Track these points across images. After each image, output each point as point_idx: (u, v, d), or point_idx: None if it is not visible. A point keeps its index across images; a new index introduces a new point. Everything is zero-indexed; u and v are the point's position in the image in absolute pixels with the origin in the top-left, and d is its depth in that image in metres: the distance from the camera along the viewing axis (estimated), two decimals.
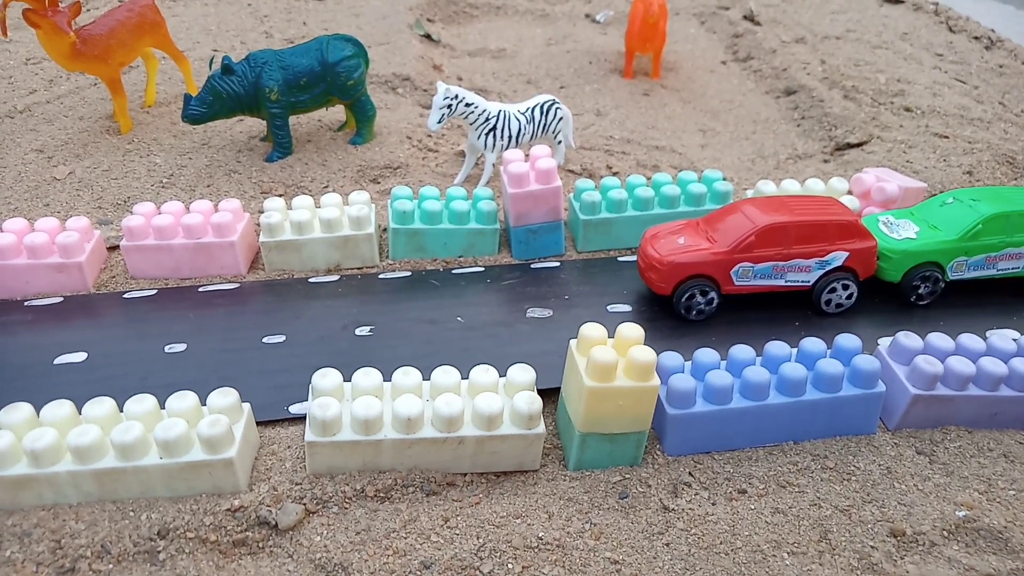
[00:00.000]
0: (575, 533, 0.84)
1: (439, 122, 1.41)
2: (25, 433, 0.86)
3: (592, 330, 0.92)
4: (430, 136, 1.73)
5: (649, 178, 1.37)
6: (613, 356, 0.87)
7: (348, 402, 0.91)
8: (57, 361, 1.06)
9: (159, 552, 0.82)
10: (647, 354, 0.88)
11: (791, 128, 1.82)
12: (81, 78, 1.98)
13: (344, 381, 0.92)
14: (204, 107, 1.50)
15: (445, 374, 0.93)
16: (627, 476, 0.92)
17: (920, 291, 1.18)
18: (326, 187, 1.50)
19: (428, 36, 2.29)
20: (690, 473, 0.93)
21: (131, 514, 0.84)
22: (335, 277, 1.25)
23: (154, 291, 1.21)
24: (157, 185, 1.51)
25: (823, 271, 1.14)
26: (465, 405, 0.90)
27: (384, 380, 0.93)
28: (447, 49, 2.27)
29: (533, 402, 0.90)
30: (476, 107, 1.43)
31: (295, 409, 0.99)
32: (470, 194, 1.36)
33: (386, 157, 1.60)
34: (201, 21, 2.38)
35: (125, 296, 1.20)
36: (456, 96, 1.41)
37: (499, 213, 1.35)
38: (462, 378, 0.94)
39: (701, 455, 0.95)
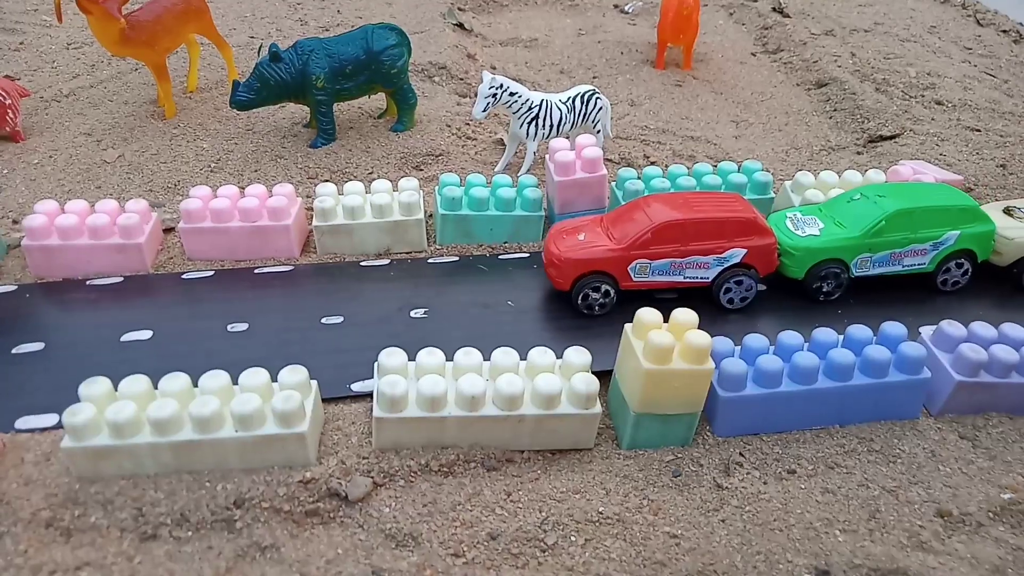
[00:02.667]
0: (634, 508, 0.88)
1: (484, 111, 1.43)
2: (104, 406, 0.90)
3: (648, 314, 0.95)
4: (468, 124, 1.75)
5: (689, 168, 1.39)
6: (670, 340, 0.91)
7: (412, 380, 0.94)
8: (124, 338, 1.10)
9: (236, 521, 0.86)
10: (703, 338, 0.91)
11: (823, 120, 1.83)
12: (121, 63, 2.02)
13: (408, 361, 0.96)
14: (252, 93, 1.53)
15: (505, 355, 0.96)
16: (679, 455, 0.96)
17: (824, 288, 1.19)
18: (371, 173, 1.53)
19: (460, 25, 2.31)
20: (740, 453, 0.96)
21: (207, 484, 0.88)
22: (385, 261, 1.28)
23: (211, 272, 1.24)
24: (206, 169, 1.54)
25: (722, 267, 1.15)
26: (525, 385, 0.94)
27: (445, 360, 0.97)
28: (479, 38, 2.30)
29: (591, 383, 0.93)
30: (520, 96, 1.46)
31: (357, 387, 1.02)
32: (512, 182, 1.38)
33: (428, 145, 1.62)
34: (236, 8, 2.40)
35: (184, 276, 1.23)
36: (501, 86, 1.43)
37: (543, 200, 1.38)
38: (520, 359, 0.97)
39: (750, 436, 0.99)
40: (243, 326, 1.12)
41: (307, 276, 1.24)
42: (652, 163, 1.60)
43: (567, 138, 1.54)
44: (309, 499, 0.88)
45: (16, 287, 1.21)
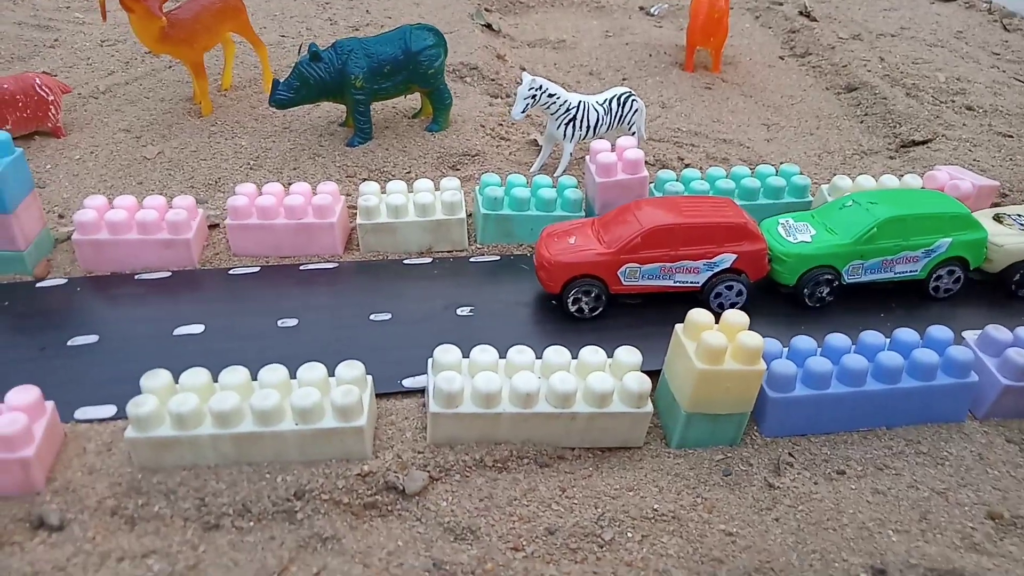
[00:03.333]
0: (688, 506, 0.89)
1: (523, 111, 1.45)
2: (165, 398, 0.91)
3: (699, 315, 0.96)
4: (501, 124, 1.77)
5: (727, 170, 1.40)
6: (723, 340, 0.92)
7: (466, 377, 0.96)
8: (177, 332, 1.12)
9: (296, 512, 0.87)
10: (755, 339, 0.92)
11: (854, 124, 1.84)
12: (155, 60, 2.04)
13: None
14: (291, 92, 1.55)
15: (556, 353, 0.97)
16: (728, 455, 0.97)
17: (815, 294, 1.19)
18: (408, 173, 1.55)
19: (488, 26, 2.33)
20: (790, 454, 0.97)
21: (267, 476, 0.90)
22: (428, 259, 1.30)
23: (257, 268, 1.26)
24: (245, 167, 1.56)
25: (712, 272, 1.16)
26: (577, 383, 0.95)
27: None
28: (507, 39, 2.31)
29: (643, 382, 0.94)
30: (558, 97, 1.47)
31: (408, 383, 1.04)
32: (552, 182, 1.40)
33: (463, 144, 1.64)
34: (265, 7, 2.42)
35: (231, 272, 1.25)
36: (541, 87, 1.45)
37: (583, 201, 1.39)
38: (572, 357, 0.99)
39: (797, 437, 1.00)
40: (293, 322, 1.14)
41: (352, 273, 1.26)
42: (687, 165, 1.61)
43: (605, 140, 1.55)
44: (367, 492, 0.89)
45: (66, 280, 1.23)
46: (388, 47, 1.58)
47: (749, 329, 0.93)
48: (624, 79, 2.04)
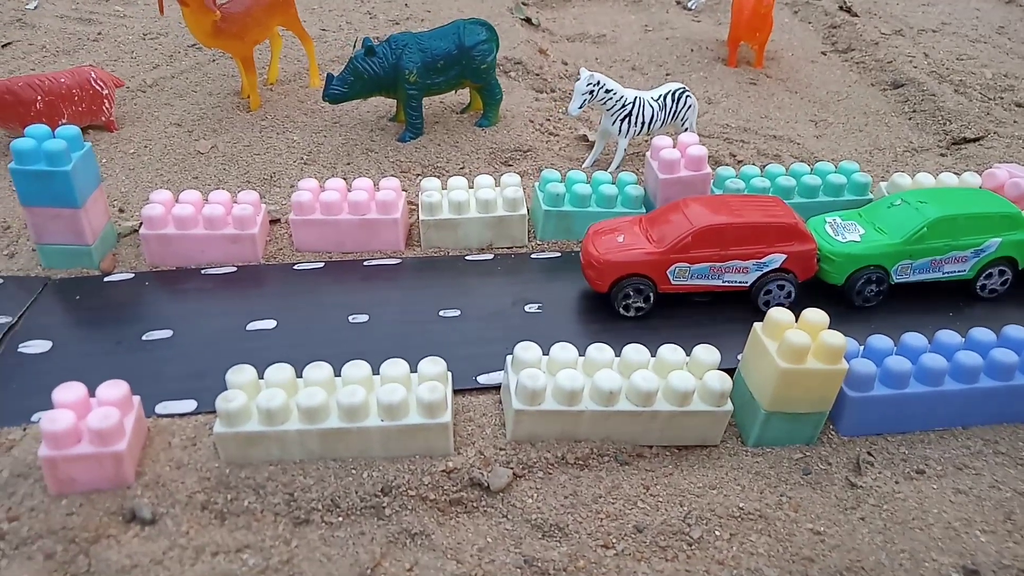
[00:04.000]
0: (773, 505, 0.89)
1: (580, 107, 1.45)
2: (250, 393, 0.92)
3: (780, 314, 0.96)
4: (549, 120, 1.76)
5: (786, 167, 1.40)
6: (807, 339, 0.92)
7: (547, 374, 0.96)
8: (249, 327, 1.13)
9: (384, 508, 0.88)
10: (838, 338, 0.92)
11: (903, 121, 1.83)
12: (199, 54, 2.04)
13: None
14: (345, 87, 1.55)
15: (636, 351, 0.98)
16: (807, 454, 0.97)
17: (864, 294, 1.18)
18: (462, 168, 1.55)
19: (528, 20, 2.32)
20: (868, 453, 0.97)
21: (353, 472, 0.90)
22: (489, 256, 1.30)
23: (321, 264, 1.27)
24: (299, 162, 1.56)
25: (761, 273, 1.15)
26: (659, 381, 0.95)
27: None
28: (546, 33, 2.30)
29: (725, 381, 0.94)
30: (615, 93, 1.47)
31: (483, 379, 1.04)
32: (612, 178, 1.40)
33: (514, 140, 1.64)
34: (304, 1, 2.42)
35: (295, 267, 1.25)
36: (598, 82, 1.44)
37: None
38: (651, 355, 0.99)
39: (874, 436, 1.00)
40: (363, 317, 1.14)
41: (416, 269, 1.26)
42: (740, 162, 1.61)
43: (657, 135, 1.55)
44: (453, 488, 0.90)
45: (133, 275, 1.24)
46: (442, 42, 1.58)
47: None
48: (668, 75, 2.03)
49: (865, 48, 2.19)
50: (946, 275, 1.20)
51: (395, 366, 0.95)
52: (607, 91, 1.46)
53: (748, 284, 1.17)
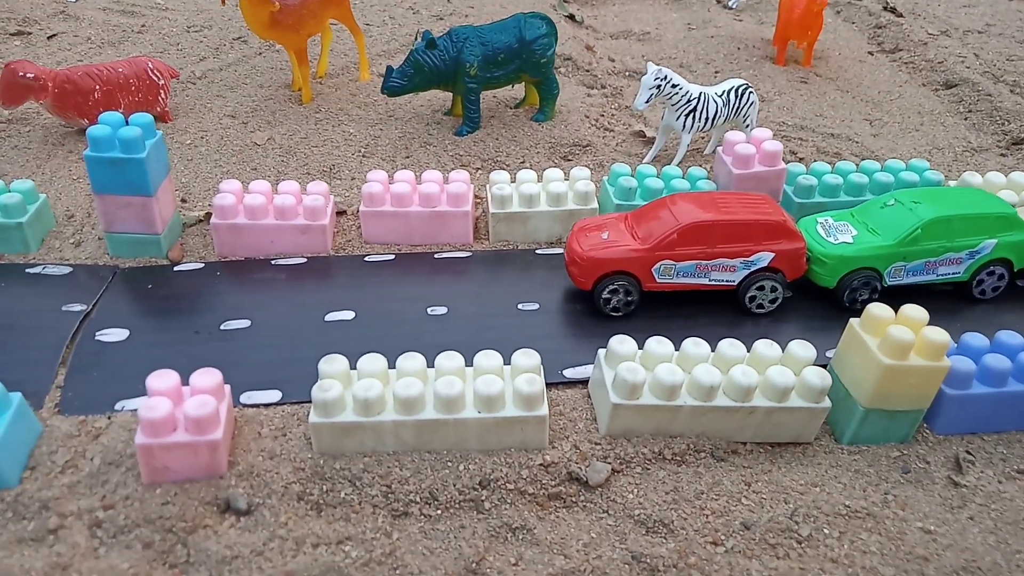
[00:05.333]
0: (879, 503, 0.87)
1: (647, 102, 1.43)
2: (343, 384, 0.90)
3: (880, 310, 0.94)
4: (603, 115, 1.75)
5: (856, 164, 1.38)
6: (911, 336, 0.90)
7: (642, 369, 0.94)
8: (328, 318, 1.11)
9: (483, 501, 0.86)
10: (941, 335, 0.91)
11: (959, 121, 1.81)
12: (245, 47, 2.03)
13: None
14: (405, 80, 1.54)
15: (732, 346, 0.96)
16: (904, 452, 0.95)
17: (856, 297, 1.15)
18: (522, 163, 1.54)
19: (571, 16, 2.31)
20: (967, 452, 0.95)
21: (449, 464, 0.89)
22: (559, 249, 1.28)
23: (391, 256, 1.25)
24: (357, 154, 1.55)
25: (748, 271, 1.12)
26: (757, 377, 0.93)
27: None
28: (590, 30, 2.29)
29: (825, 377, 0.93)
30: (681, 88, 1.45)
31: (569, 373, 1.03)
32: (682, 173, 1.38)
33: (572, 135, 1.62)
34: None
35: (366, 259, 1.24)
36: (666, 77, 1.43)
37: None
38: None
39: (969, 435, 0.98)
40: (442, 309, 1.13)
41: (487, 262, 1.24)
42: (800, 159, 1.59)
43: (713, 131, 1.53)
44: (551, 482, 0.88)
45: (203, 264, 1.22)
46: (503, 35, 1.56)
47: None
48: (716, 72, 2.02)
49: (913, 48, 2.18)
50: (940, 277, 1.17)
51: (489, 358, 0.93)
52: (673, 86, 1.44)
53: (735, 283, 1.13)
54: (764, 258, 1.12)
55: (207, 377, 0.88)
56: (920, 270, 1.16)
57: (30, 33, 2.06)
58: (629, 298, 1.12)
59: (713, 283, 1.13)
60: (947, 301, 1.19)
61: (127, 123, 1.17)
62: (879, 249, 1.13)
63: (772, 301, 1.14)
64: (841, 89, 1.97)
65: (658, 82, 1.43)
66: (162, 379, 0.87)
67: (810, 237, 1.17)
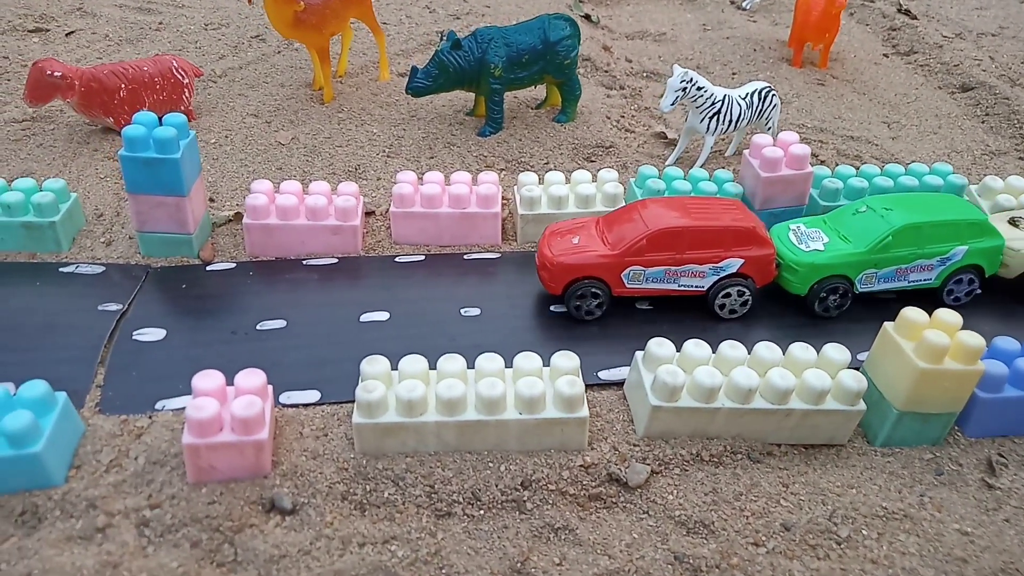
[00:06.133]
0: (915, 505, 0.89)
1: (673, 104, 1.44)
2: (385, 385, 0.91)
3: (914, 314, 0.95)
4: (624, 116, 1.76)
5: (881, 166, 1.39)
6: (947, 340, 0.91)
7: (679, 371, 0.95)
8: (363, 319, 1.12)
9: (525, 502, 0.87)
10: (976, 339, 0.92)
11: (976, 125, 1.82)
12: (263, 45, 2.03)
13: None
14: (429, 80, 1.55)
15: (768, 349, 0.97)
16: (936, 454, 0.97)
17: (827, 304, 1.15)
18: (546, 164, 1.54)
19: (587, 17, 2.32)
20: (999, 454, 0.96)
21: (491, 465, 0.90)
22: None
23: (422, 256, 1.26)
24: (382, 154, 1.56)
25: (717, 277, 1.12)
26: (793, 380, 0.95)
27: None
28: (605, 31, 2.30)
29: (860, 380, 0.94)
30: (706, 90, 1.46)
31: (604, 375, 1.04)
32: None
33: (595, 136, 1.63)
34: None
35: (396, 260, 1.25)
36: (692, 80, 1.44)
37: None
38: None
39: (1000, 438, 0.99)
40: (475, 311, 1.14)
41: (516, 264, 1.25)
42: (821, 162, 1.60)
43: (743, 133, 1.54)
44: (591, 483, 0.89)
45: (235, 264, 1.23)
46: (527, 36, 1.57)
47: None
48: (734, 74, 2.03)
49: (928, 51, 2.19)
50: (912, 284, 1.17)
51: (529, 359, 0.94)
52: (699, 88, 1.45)
53: (704, 289, 1.14)
54: (733, 264, 1.12)
55: (252, 377, 0.89)
56: (891, 277, 1.16)
57: (48, 30, 2.06)
58: (599, 303, 1.12)
59: (682, 289, 1.13)
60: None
61: (160, 123, 1.17)
62: (850, 256, 1.13)
63: (742, 306, 1.15)
64: (858, 91, 1.98)
65: (684, 84, 1.43)
66: (207, 379, 0.88)
67: (782, 244, 1.17)
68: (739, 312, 1.15)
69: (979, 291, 1.20)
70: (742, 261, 1.12)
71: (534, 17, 1.62)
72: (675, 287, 1.13)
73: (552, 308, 1.15)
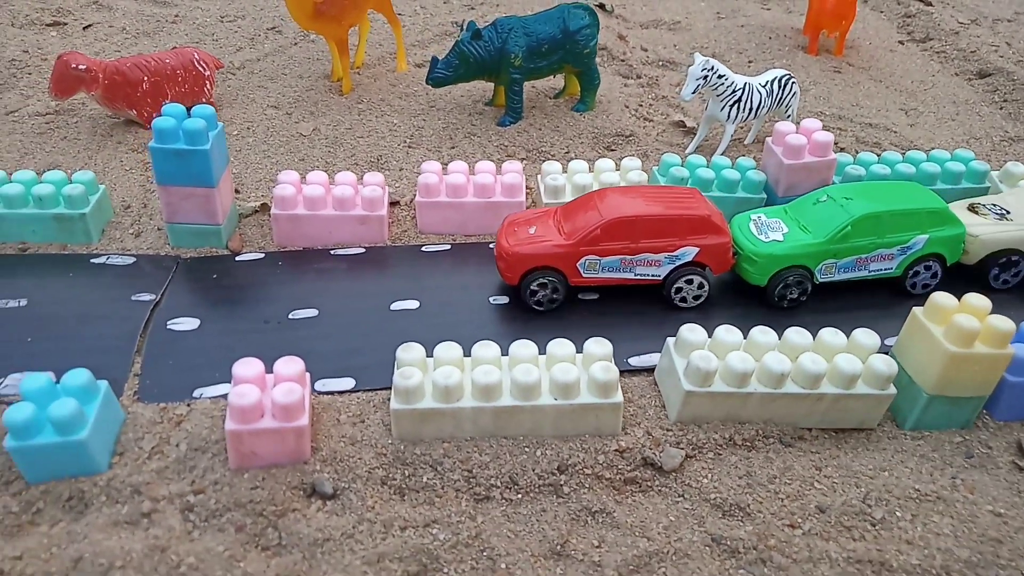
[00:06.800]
0: (948, 487, 0.90)
1: (694, 92, 1.44)
2: (421, 371, 0.92)
3: (944, 298, 0.96)
4: (641, 105, 1.76)
5: (902, 153, 1.40)
6: (977, 324, 0.92)
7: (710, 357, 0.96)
8: (393, 307, 1.13)
9: (562, 486, 0.89)
10: (1007, 323, 0.92)
11: (994, 111, 1.82)
12: (279, 37, 2.04)
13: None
14: (450, 70, 1.55)
15: (799, 334, 0.98)
16: (966, 437, 0.98)
17: (787, 296, 1.15)
18: (567, 153, 1.55)
19: (601, 6, 2.31)
20: None
21: (527, 450, 0.91)
22: None
23: (448, 246, 1.27)
24: (403, 145, 1.56)
25: (673, 266, 1.12)
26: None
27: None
28: (620, 20, 2.30)
29: (891, 364, 0.95)
30: (727, 79, 1.46)
31: (634, 361, 1.05)
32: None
33: (614, 125, 1.64)
34: None
35: (423, 249, 1.26)
36: (712, 68, 1.44)
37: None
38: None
39: None
40: (504, 299, 1.15)
41: None
42: (842, 149, 1.61)
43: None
44: (627, 467, 0.90)
45: (263, 255, 1.24)
46: (547, 26, 1.57)
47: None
48: (750, 62, 2.03)
49: (945, 37, 2.18)
50: (872, 273, 1.16)
51: (562, 346, 0.95)
52: (720, 76, 1.45)
53: (661, 278, 1.13)
54: (689, 253, 1.12)
55: (291, 365, 0.91)
56: (851, 267, 1.15)
57: (65, 24, 2.07)
58: (555, 294, 1.12)
59: (639, 278, 1.13)
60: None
61: (189, 115, 1.18)
62: (809, 247, 1.13)
63: (697, 297, 1.15)
64: (874, 79, 1.98)
65: (705, 73, 1.44)
66: (247, 367, 0.89)
67: (742, 235, 1.16)
68: (692, 303, 1.15)
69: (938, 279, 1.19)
70: (697, 250, 1.12)
71: (553, 7, 1.63)
72: (631, 276, 1.13)
73: (580, 295, 1.16)
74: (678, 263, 1.12)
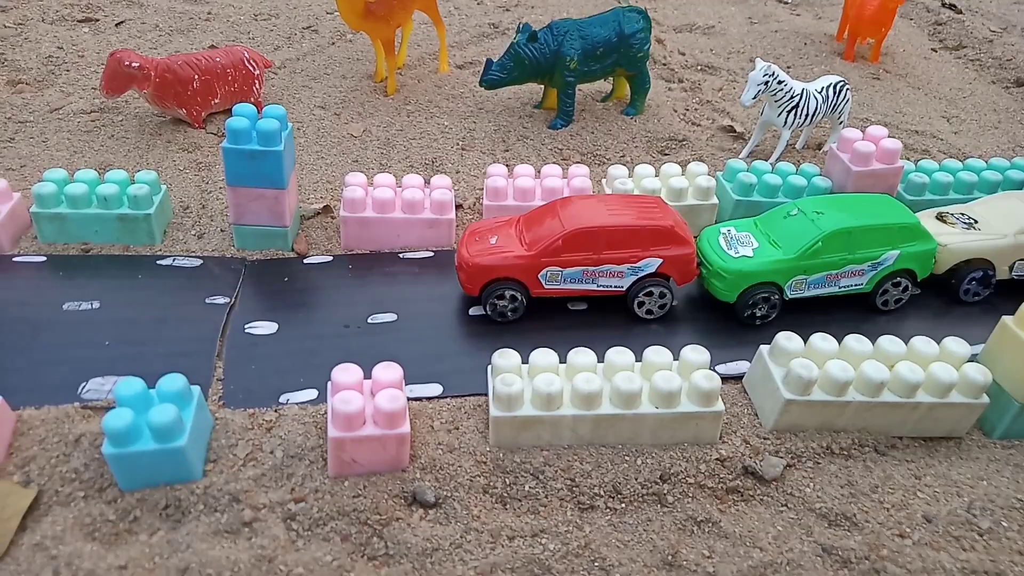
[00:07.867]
0: None
1: (754, 97, 1.44)
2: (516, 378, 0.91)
3: None
4: (688, 109, 1.76)
5: (962, 160, 1.40)
6: None
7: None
8: (472, 312, 1.12)
9: (666, 495, 0.88)
10: None
11: None
12: (316, 36, 2.02)
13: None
14: (504, 73, 1.54)
15: (892, 343, 0.98)
16: None
17: (756, 313, 1.12)
18: (623, 156, 1.54)
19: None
20: None
21: (627, 458, 0.90)
22: None
23: None
24: (456, 147, 1.55)
25: (636, 277, 1.10)
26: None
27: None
28: (654, 24, 2.29)
29: (986, 374, 0.95)
30: (786, 84, 1.46)
31: (721, 369, 1.04)
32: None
33: (666, 129, 1.63)
34: None
35: None
36: (773, 74, 1.44)
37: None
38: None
39: None
40: (582, 305, 1.14)
41: None
42: None
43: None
44: (728, 476, 0.90)
45: (332, 258, 1.23)
46: (602, 29, 1.57)
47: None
48: (789, 67, 2.03)
49: (978, 46, 2.20)
50: (843, 289, 1.14)
51: (659, 354, 0.94)
52: (780, 82, 1.45)
53: (624, 288, 1.11)
54: (652, 264, 1.09)
55: (390, 371, 0.89)
56: (822, 283, 1.13)
57: (97, 20, 2.04)
58: (515, 304, 1.10)
59: (601, 289, 1.11)
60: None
61: (261, 115, 1.17)
62: (779, 264, 1.10)
63: (661, 307, 1.13)
64: (912, 86, 1.99)
65: (766, 78, 1.44)
66: (347, 373, 0.88)
67: (711, 250, 1.14)
68: (658, 313, 1.13)
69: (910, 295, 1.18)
70: (661, 260, 1.09)
71: (607, 10, 1.62)
72: (594, 287, 1.11)
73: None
74: (641, 274, 1.10)
